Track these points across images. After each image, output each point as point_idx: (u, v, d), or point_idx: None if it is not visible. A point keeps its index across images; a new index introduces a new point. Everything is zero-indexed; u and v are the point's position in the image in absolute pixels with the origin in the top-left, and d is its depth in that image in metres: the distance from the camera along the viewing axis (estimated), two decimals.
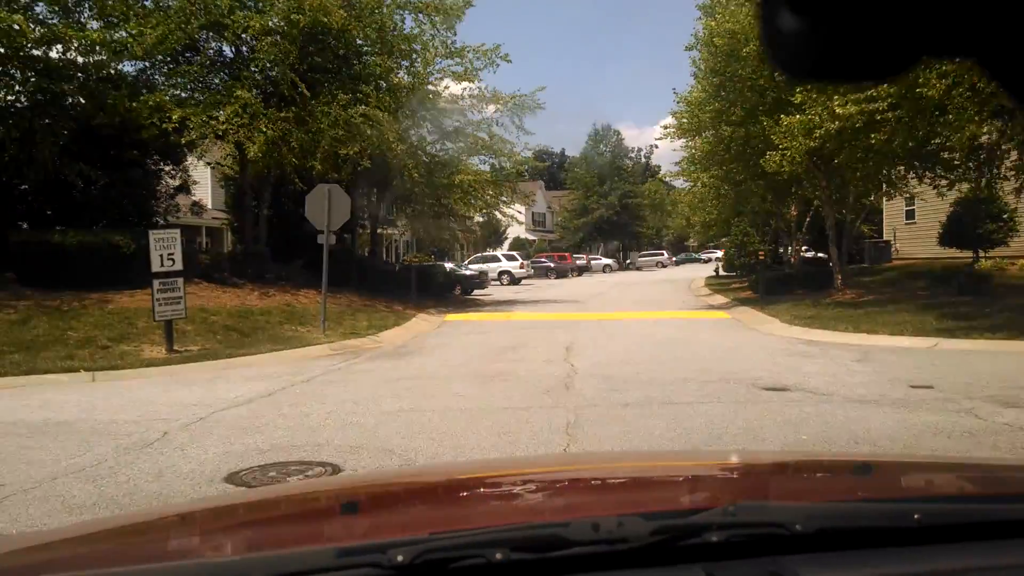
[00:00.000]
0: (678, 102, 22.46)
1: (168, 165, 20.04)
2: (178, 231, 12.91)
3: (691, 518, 1.18)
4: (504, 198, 25.46)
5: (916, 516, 1.20)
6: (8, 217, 17.60)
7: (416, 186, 22.33)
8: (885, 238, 33.42)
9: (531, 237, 65.82)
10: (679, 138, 24.67)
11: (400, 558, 1.04)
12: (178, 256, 12.47)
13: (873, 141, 15.37)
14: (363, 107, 18.83)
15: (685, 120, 22.56)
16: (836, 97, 14.76)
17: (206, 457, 6.08)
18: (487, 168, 25.23)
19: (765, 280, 20.62)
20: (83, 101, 17.63)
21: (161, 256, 12.32)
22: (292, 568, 1.07)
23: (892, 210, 32.27)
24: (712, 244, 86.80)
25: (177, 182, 20.87)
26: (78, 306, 14.67)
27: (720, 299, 25.19)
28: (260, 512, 1.92)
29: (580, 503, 1.95)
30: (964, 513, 1.32)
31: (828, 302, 18.49)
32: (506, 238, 57.11)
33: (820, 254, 30.19)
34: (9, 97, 17.01)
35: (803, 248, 29.75)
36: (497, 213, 27.91)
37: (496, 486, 2.14)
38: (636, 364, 10.75)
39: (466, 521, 1.69)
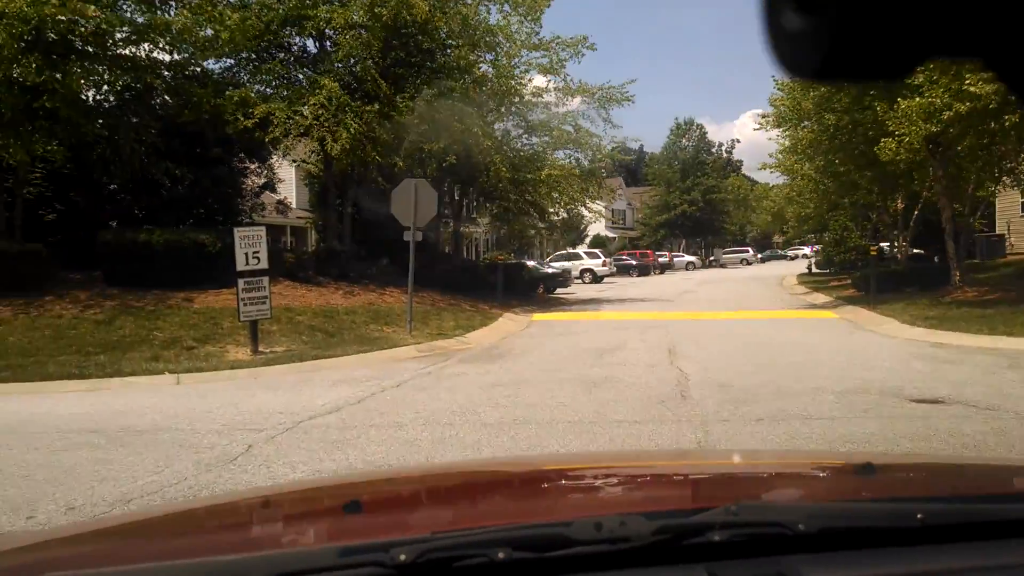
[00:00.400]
0: (778, 88, 21.12)
1: (254, 163, 19.85)
2: (263, 229, 12.49)
3: (694, 518, 1.16)
4: (591, 193, 24.55)
5: (919, 516, 1.19)
6: (97, 216, 17.63)
7: (501, 182, 21.64)
8: (998, 232, 31.17)
9: (611, 235, 64.56)
10: (775, 128, 23.39)
11: (403, 557, 1.04)
12: (263, 254, 12.04)
13: (1007, 123, 13.93)
14: (448, 101, 18.22)
15: (785, 107, 21.21)
16: (968, 76, 13.38)
17: (294, 477, 5.44)
18: (572, 163, 24.39)
19: (877, 277, 19.14)
20: (169, 100, 17.54)
21: (246, 254, 11.90)
22: (295, 567, 1.07)
23: (1006, 202, 30.08)
24: (798, 241, 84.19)
25: (262, 180, 20.67)
26: (163, 306, 14.45)
27: (821, 297, 23.75)
28: (262, 511, 1.93)
29: (583, 502, 1.93)
30: (967, 513, 1.29)
31: (948, 301, 17.01)
32: (586, 236, 56.01)
33: (920, 251, 28.26)
34: (98, 96, 17.02)
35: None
36: (583, 209, 27.03)
37: (498, 485, 2.14)
38: (752, 370, 9.76)
39: (469, 520, 1.67)
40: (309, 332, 13.81)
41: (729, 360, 10.82)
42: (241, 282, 11.84)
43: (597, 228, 55.85)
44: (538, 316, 19.25)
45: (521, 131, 23.85)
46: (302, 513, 1.89)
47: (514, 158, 22.52)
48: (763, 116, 22.64)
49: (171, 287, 15.11)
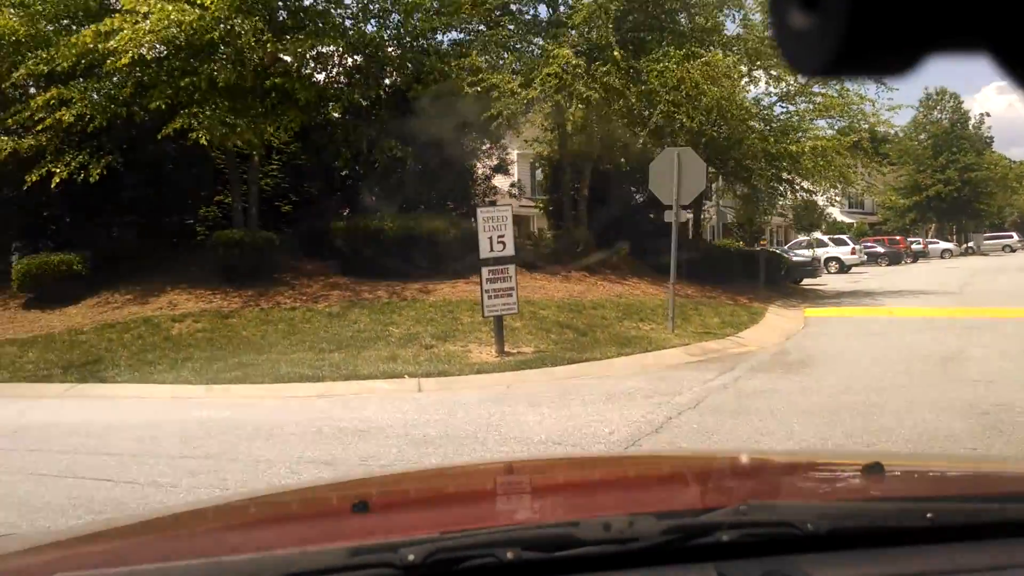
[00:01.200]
0: None
1: (484, 144, 18.40)
2: (509, 209, 10.67)
3: (702, 517, 1.15)
4: (861, 167, 21.00)
5: (929, 515, 1.17)
6: (329, 204, 16.88)
7: (754, 156, 18.74)
8: None
9: (848, 220, 58.63)
10: None
11: (411, 557, 1.03)
12: (509, 239, 10.25)
13: None
14: (702, 60, 15.71)
15: None
16: None
17: None
18: (835, 132, 20.94)
19: None
20: (399, 79, 16.44)
21: (490, 239, 10.15)
22: (304, 567, 1.06)
23: None
24: None
25: (494, 162, 19.19)
26: (398, 298, 13.16)
27: None
28: (271, 511, 1.90)
29: (591, 502, 1.87)
30: (977, 513, 1.25)
31: None
32: (823, 221, 50.87)
33: None
34: (328, 77, 16.19)
35: None
36: (850, 188, 23.44)
37: (507, 485, 2.10)
38: None
39: (477, 520, 1.63)
40: (557, 329, 11.91)
41: None
42: (485, 271, 10.13)
43: (832, 212, 50.62)
44: (811, 312, 16.29)
45: (775, 98, 20.83)
46: (310, 513, 1.84)
47: (768, 129, 19.61)
48: None
49: (404, 277, 13.83)
